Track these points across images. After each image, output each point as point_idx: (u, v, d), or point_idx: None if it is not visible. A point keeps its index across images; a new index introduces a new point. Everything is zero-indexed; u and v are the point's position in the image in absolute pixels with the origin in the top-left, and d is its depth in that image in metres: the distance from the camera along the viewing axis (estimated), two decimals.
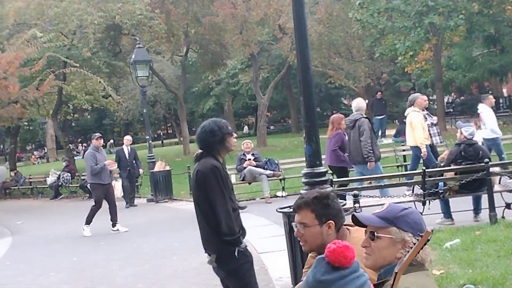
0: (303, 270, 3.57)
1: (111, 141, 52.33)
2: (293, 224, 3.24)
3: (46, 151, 51.46)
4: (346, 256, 2.08)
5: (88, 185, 14.20)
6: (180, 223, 12.51)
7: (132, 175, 17.80)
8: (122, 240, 11.71)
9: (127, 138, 18.84)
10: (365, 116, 10.97)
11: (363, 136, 10.53)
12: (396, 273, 2.29)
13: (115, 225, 12.61)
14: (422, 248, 2.40)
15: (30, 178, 26.87)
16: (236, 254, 4.57)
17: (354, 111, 11.07)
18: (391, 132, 25.43)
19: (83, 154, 43.61)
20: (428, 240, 2.34)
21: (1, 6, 23.98)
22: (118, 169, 16.19)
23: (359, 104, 11.17)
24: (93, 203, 12.81)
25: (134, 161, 17.87)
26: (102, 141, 13.45)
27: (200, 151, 4.77)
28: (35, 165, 44.42)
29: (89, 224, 12.61)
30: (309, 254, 3.56)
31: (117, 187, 16.32)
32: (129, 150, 17.86)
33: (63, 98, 27.75)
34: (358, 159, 10.76)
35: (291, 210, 5.77)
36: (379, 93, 27.51)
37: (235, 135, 4.93)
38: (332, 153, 11.27)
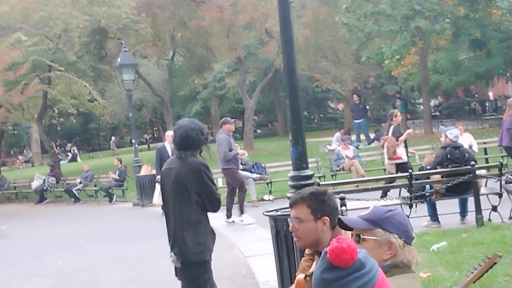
0: (296, 274, 3.54)
1: (113, 138, 52.11)
2: (289, 219, 3.24)
3: (31, 155, 51.13)
4: (343, 258, 2.04)
5: (220, 170, 12.75)
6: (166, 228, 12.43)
7: None
8: (108, 244, 11.63)
9: (170, 134, 16.41)
10: None
11: None
12: None
13: (230, 217, 11.81)
14: (487, 271, 2.34)
15: (14, 183, 26.67)
16: (200, 263, 4.67)
17: None
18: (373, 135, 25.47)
19: (71, 157, 43.51)
20: (495, 263, 2.30)
21: None
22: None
23: None
24: (237, 190, 12.03)
25: None
26: (234, 126, 12.59)
27: (179, 151, 4.77)
28: (20, 169, 44.11)
29: (243, 212, 11.89)
30: (303, 258, 3.54)
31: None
32: (172, 148, 16.05)
33: (48, 102, 27.56)
34: None
35: (278, 213, 5.77)
36: (355, 96, 27.59)
37: None
38: (506, 133, 11.63)
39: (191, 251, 4.63)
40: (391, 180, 10.50)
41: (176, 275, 4.88)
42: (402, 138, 11.81)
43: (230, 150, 11.83)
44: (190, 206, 4.64)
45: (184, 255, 4.67)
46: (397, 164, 11.66)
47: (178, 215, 4.68)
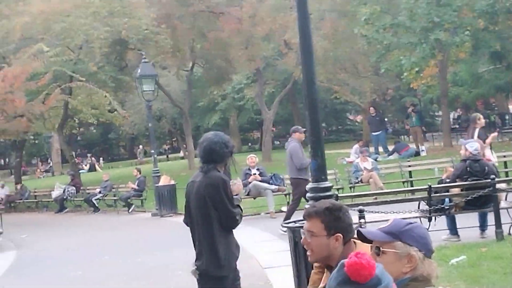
0: (308, 287, 3.54)
1: (141, 147, 52.53)
2: (301, 230, 3.23)
3: (51, 164, 51.54)
4: (361, 274, 2.05)
5: (289, 180, 12.62)
6: (185, 238, 12.39)
7: None
8: (127, 254, 11.68)
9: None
10: None
11: None
12: None
13: None
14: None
15: (35, 192, 26.85)
16: (217, 278, 4.66)
17: None
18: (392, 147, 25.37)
19: (89, 168, 43.77)
20: None
21: (7, 21, 24.10)
22: None
23: None
24: (293, 199, 11.92)
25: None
26: (304, 135, 12.05)
27: (203, 164, 4.79)
28: (40, 178, 44.48)
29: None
30: (313, 271, 3.53)
31: None
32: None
33: (69, 112, 27.81)
34: None
35: (296, 225, 5.78)
36: (371, 108, 27.49)
37: None
38: None
39: (209, 265, 4.65)
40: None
41: (198, 285, 4.90)
42: (488, 140, 11.89)
43: None
44: (210, 221, 4.64)
45: (202, 268, 4.69)
46: None
47: (200, 229, 4.70)
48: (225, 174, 4.79)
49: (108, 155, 61.38)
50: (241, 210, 4.84)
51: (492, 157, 11.81)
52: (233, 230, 4.79)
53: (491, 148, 12.06)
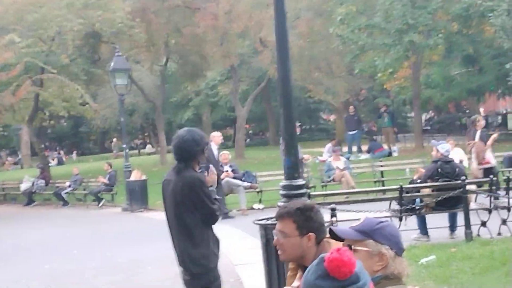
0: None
1: (115, 140, 51.89)
2: (273, 231, 3.21)
3: (20, 157, 50.85)
4: (341, 271, 2.03)
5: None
6: (155, 233, 12.37)
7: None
8: (96, 248, 11.57)
9: (216, 135, 14.35)
10: None
11: None
12: None
13: None
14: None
15: (3, 184, 26.51)
16: (209, 272, 4.65)
17: None
18: (365, 147, 25.56)
19: (57, 162, 43.31)
20: None
21: None
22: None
23: None
24: None
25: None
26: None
27: (176, 162, 4.74)
28: (8, 171, 43.87)
29: None
30: (288, 273, 3.52)
31: None
32: (217, 149, 14.00)
33: (39, 105, 27.43)
34: None
35: (268, 222, 5.75)
36: (351, 107, 27.67)
37: None
38: None
39: (196, 263, 4.61)
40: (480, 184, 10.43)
41: (186, 286, 4.83)
42: (489, 142, 11.98)
43: None
44: (190, 221, 4.60)
45: (190, 268, 4.64)
46: (485, 169, 11.72)
47: (178, 228, 4.66)
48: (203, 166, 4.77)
49: (79, 148, 60.77)
50: (218, 201, 4.81)
51: (492, 159, 11.92)
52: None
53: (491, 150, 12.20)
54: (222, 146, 37.84)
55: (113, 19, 23.77)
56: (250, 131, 52.81)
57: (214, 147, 13.40)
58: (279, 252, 3.18)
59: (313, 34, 27.89)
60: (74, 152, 54.86)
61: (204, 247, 4.62)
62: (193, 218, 4.59)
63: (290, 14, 25.94)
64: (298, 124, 45.03)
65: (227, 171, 14.82)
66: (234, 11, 27.40)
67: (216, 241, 4.79)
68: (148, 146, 52.98)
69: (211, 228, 4.76)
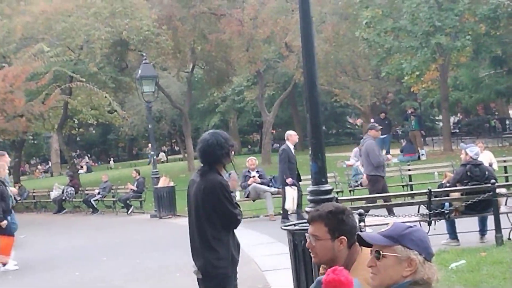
0: None
1: (150, 145, 52.24)
2: (306, 234, 3.22)
3: (50, 165, 51.51)
4: None
5: (364, 176, 12.47)
6: (183, 240, 12.33)
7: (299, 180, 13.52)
8: (125, 255, 11.65)
9: (292, 134, 13.83)
10: None
11: None
12: None
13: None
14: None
15: (34, 192, 26.81)
16: (222, 275, 4.65)
17: None
18: (395, 151, 25.37)
19: (86, 170, 43.72)
20: None
21: (9, 21, 24.10)
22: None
23: None
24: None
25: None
26: (380, 133, 12.32)
27: (201, 165, 4.76)
28: (39, 179, 44.45)
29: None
30: (320, 271, 3.52)
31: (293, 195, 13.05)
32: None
33: (68, 113, 27.81)
34: None
35: (296, 227, 5.75)
36: (383, 114, 27.56)
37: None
38: None
39: (212, 265, 4.62)
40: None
41: (198, 285, 4.86)
42: None
43: None
44: (208, 223, 4.61)
45: (204, 269, 4.66)
46: None
47: (198, 230, 4.67)
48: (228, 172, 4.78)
49: (107, 156, 61.37)
50: (239, 207, 4.81)
51: None
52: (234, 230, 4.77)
53: None
54: (249, 152, 37.76)
55: (140, 27, 24.00)
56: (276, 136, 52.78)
57: (291, 146, 13.40)
58: (312, 254, 3.19)
59: (338, 38, 27.81)
60: (111, 159, 55.18)
61: (222, 251, 4.62)
62: (212, 220, 4.60)
63: (315, 19, 25.93)
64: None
65: (254, 176, 14.85)
66: (259, 17, 27.46)
67: (237, 246, 4.80)
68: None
69: (232, 232, 4.77)
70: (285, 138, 13.64)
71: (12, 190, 12.25)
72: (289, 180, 12.64)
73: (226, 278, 4.69)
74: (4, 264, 11.00)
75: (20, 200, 26.18)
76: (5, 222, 10.63)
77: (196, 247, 4.70)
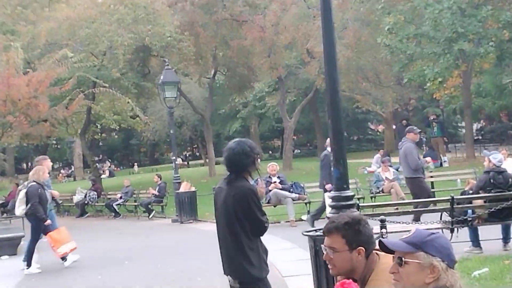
0: None
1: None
2: (322, 246, 3.20)
3: (73, 169, 51.95)
4: None
5: (404, 179, 12.21)
6: (204, 245, 12.47)
7: None
8: (147, 260, 11.71)
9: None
10: None
11: None
12: None
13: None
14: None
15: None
16: (259, 282, 4.66)
17: None
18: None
19: (109, 174, 44.01)
20: None
21: (33, 26, 24.43)
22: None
23: None
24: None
25: None
26: (418, 136, 12.27)
27: (228, 173, 4.78)
28: (62, 183, 44.83)
29: (418, 220, 10.58)
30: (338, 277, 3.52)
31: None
32: None
33: (91, 118, 28.08)
34: None
35: (317, 233, 5.75)
36: (404, 120, 27.45)
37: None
38: None
39: (247, 271, 4.63)
40: None
41: None
42: None
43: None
44: (242, 230, 4.64)
45: (240, 276, 4.67)
46: None
47: (228, 236, 4.69)
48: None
49: (129, 160, 61.77)
50: (265, 214, 4.84)
51: None
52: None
53: None
54: (270, 158, 37.73)
55: (162, 33, 24.19)
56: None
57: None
58: (329, 266, 3.18)
59: (360, 44, 27.77)
60: (136, 164, 55.57)
61: (254, 257, 4.64)
62: (243, 227, 4.63)
63: (337, 25, 25.92)
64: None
65: (275, 182, 14.86)
66: (281, 23, 27.53)
67: (265, 251, 4.82)
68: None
69: (260, 239, 4.80)
70: (326, 145, 13.63)
71: (53, 193, 12.75)
72: (328, 186, 12.58)
73: (264, 281, 4.71)
74: (63, 258, 11.48)
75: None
76: (49, 221, 11.25)
77: (230, 255, 4.72)
